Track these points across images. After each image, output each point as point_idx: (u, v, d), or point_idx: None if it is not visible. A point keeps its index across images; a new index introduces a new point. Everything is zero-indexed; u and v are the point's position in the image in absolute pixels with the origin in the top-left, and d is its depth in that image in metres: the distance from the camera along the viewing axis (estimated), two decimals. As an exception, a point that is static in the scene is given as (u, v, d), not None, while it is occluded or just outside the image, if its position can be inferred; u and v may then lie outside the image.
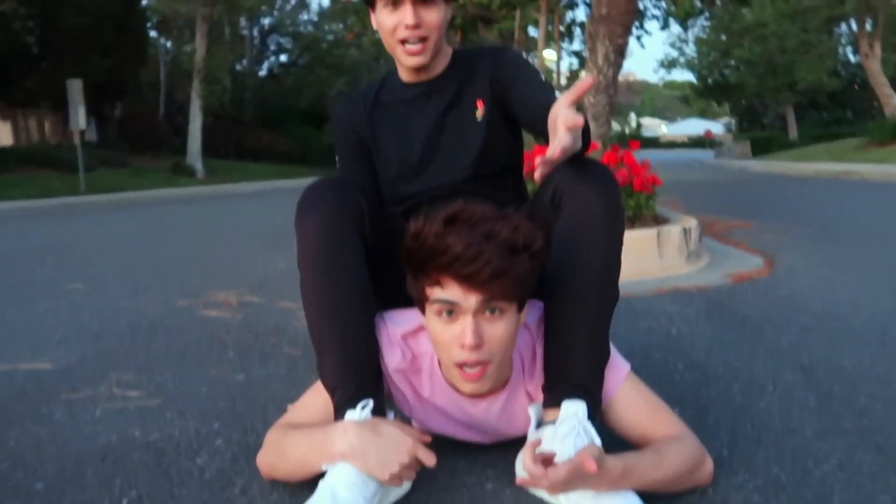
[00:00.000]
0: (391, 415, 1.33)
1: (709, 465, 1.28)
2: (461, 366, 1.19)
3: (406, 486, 1.26)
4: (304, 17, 32.89)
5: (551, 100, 1.32)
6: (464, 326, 1.15)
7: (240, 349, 2.37)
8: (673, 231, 3.57)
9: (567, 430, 1.22)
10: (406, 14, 1.40)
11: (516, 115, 1.49)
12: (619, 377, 1.33)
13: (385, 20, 1.43)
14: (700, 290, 3.08)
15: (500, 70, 1.50)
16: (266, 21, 31.51)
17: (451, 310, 1.15)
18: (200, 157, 19.64)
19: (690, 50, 35.37)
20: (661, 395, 1.39)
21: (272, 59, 33.43)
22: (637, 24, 14.83)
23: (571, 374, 1.28)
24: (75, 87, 14.18)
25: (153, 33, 24.96)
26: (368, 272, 1.35)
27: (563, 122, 1.12)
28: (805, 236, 4.66)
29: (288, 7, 31.59)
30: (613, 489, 1.14)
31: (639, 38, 15.74)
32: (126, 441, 1.59)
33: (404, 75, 1.55)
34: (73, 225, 7.83)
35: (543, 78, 1.54)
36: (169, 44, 27.14)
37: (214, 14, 19.21)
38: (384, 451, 1.17)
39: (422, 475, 1.28)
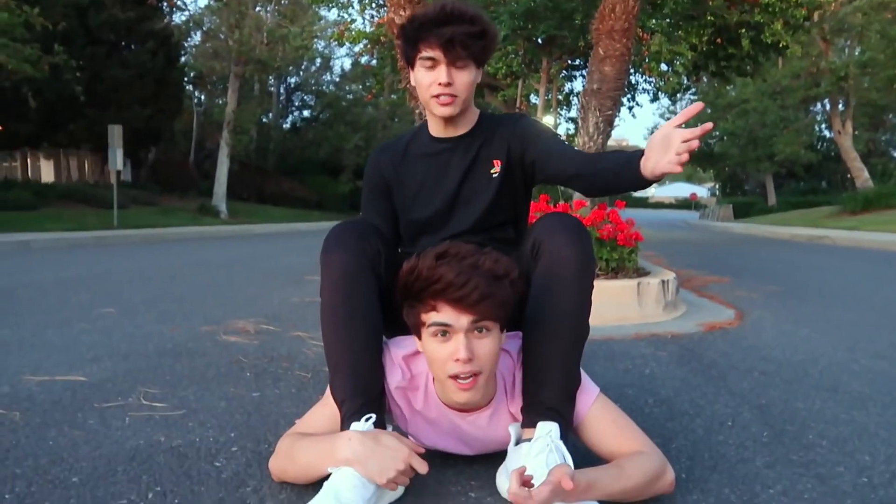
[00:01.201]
0: (390, 428, 1.42)
1: (670, 475, 1.36)
2: (455, 377, 1.29)
3: (400, 490, 1.34)
4: (327, 77, 33.68)
5: (569, 149, 1.58)
6: (457, 344, 1.25)
7: (255, 371, 2.44)
8: (652, 283, 3.67)
9: (540, 448, 1.30)
10: (441, 74, 1.51)
11: (539, 168, 1.61)
12: (589, 400, 1.42)
13: (423, 78, 1.54)
14: (674, 337, 3.16)
15: (518, 135, 1.63)
16: (292, 80, 32.27)
17: (446, 330, 1.26)
18: (225, 200, 19.89)
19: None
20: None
21: (296, 114, 34.14)
22: (629, 96, 15.18)
23: (546, 399, 1.37)
24: (115, 132, 14.48)
25: (189, 87, 25.54)
26: (380, 305, 1.45)
27: (679, 136, 1.24)
28: (775, 294, 4.75)
29: (312, 68, 32.38)
30: (580, 500, 1.21)
31: (630, 108, 16.08)
32: (152, 445, 1.66)
33: (434, 129, 1.66)
34: (105, 257, 7.94)
35: (559, 137, 1.68)
36: (202, 97, 27.73)
37: (246, 73, 19.69)
38: (383, 459, 1.25)
39: (413, 482, 1.36)
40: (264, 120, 29.64)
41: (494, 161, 1.64)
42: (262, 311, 3.85)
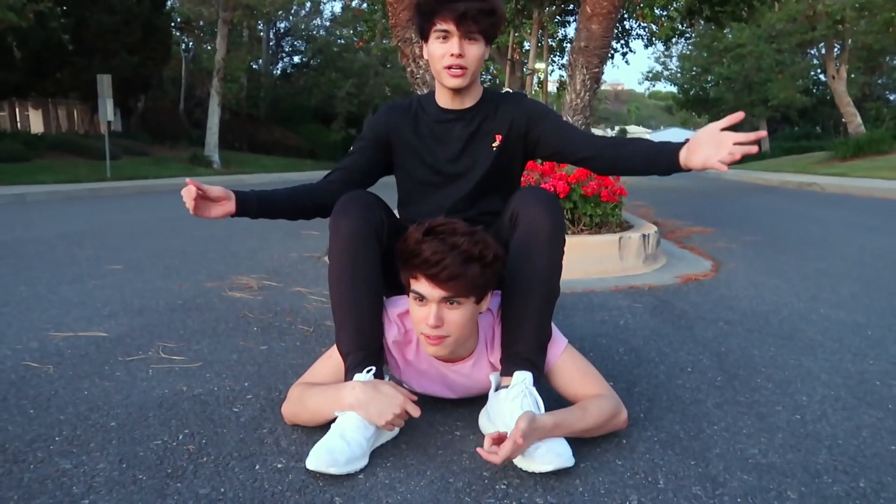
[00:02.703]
0: (387, 378, 1.64)
1: (623, 415, 1.59)
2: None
3: (396, 430, 1.57)
4: (317, 22, 33.05)
5: (580, 131, 1.84)
6: (429, 311, 1.46)
7: (261, 325, 2.66)
8: (633, 237, 3.87)
9: (516, 394, 1.53)
10: (454, 45, 1.66)
11: (545, 145, 1.82)
12: (559, 350, 1.64)
13: (436, 49, 1.70)
14: (651, 289, 3.38)
15: (523, 112, 1.81)
16: (281, 25, 31.66)
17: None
18: (217, 150, 19.85)
19: (674, 64, 35.66)
20: (601, 372, 1.69)
21: (286, 60, 33.64)
22: (623, 42, 15.09)
23: (521, 351, 1.58)
24: (105, 82, 14.34)
25: (177, 33, 25.10)
26: (380, 269, 1.65)
27: (732, 137, 1.49)
28: (754, 244, 4.97)
29: (302, 13, 31.74)
30: (549, 437, 1.44)
31: (624, 55, 16.02)
32: (176, 394, 1.89)
33: (442, 100, 1.82)
34: (103, 209, 8.09)
35: (563, 117, 1.88)
36: (191, 43, 27.26)
37: (234, 18, 19.37)
38: (382, 404, 1.47)
39: (407, 424, 1.59)
40: (254, 67, 29.23)
41: (496, 135, 1.82)
42: (262, 266, 4.05)
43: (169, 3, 21.93)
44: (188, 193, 1.61)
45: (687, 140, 1.62)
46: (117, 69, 18.15)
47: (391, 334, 1.64)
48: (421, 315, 1.48)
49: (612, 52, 15.49)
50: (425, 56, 1.78)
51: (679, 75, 35.37)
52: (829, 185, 12.55)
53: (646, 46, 15.59)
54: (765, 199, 10.10)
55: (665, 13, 12.80)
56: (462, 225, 1.47)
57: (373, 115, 1.92)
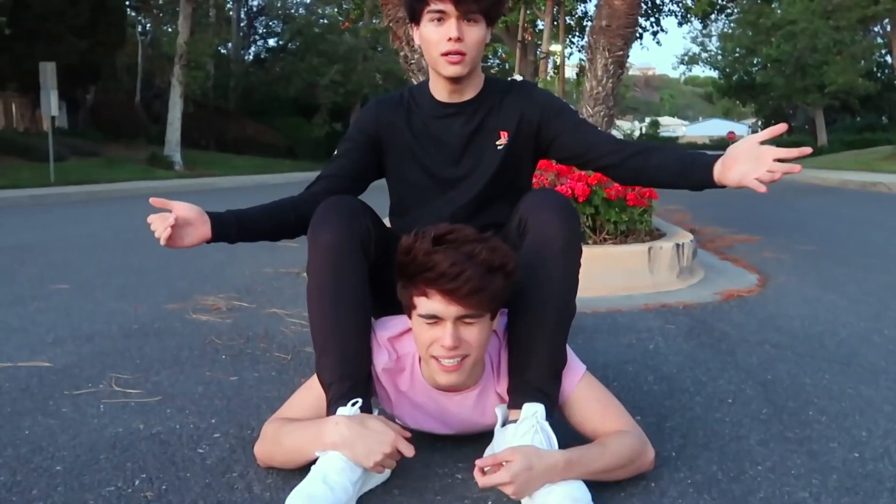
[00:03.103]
0: (376, 412, 1.66)
1: (650, 454, 1.61)
2: (438, 359, 1.52)
3: (386, 473, 1.59)
4: (296, -1, 33.33)
5: (601, 134, 1.86)
6: (445, 331, 1.47)
7: (231, 353, 2.69)
8: (665, 247, 3.90)
9: (526, 429, 1.55)
10: (451, 28, 1.66)
11: (561, 147, 1.84)
12: (575, 379, 1.66)
13: (430, 33, 1.69)
14: (686, 307, 3.41)
15: (535, 106, 1.82)
16: (254, 3, 31.93)
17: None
18: (179, 148, 19.97)
19: (713, 45, 35.84)
20: (627, 405, 1.71)
21: (259, 43, 33.94)
22: (653, 20, 15.20)
23: (532, 380, 1.60)
24: (48, 71, 14.48)
25: (132, 13, 25.32)
26: (368, 285, 1.67)
27: (772, 153, 1.53)
28: (807, 255, 5.00)
29: (279, -12, 32.03)
30: (562, 478, 1.46)
31: (655, 34, 16.11)
32: (132, 432, 1.91)
33: (438, 92, 1.83)
34: (47, 220, 8.15)
35: (579, 114, 1.91)
36: (148, 25, 27.50)
37: (199, -5, 19.56)
38: (370, 443, 1.49)
39: (400, 465, 1.61)
40: (223, 51, 29.46)
41: (501, 132, 1.83)
42: (232, 283, 4.08)
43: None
44: (161, 220, 1.64)
45: (722, 153, 1.66)
46: (62, 56, 18.25)
47: (381, 361, 1.66)
48: (432, 337, 1.50)
49: (640, 31, 15.59)
50: (416, 41, 1.80)
51: (720, 58, 35.56)
52: (898, 185, 12.60)
53: (679, 24, 15.68)
54: (821, 202, 10.14)
55: (702, -15, 12.91)
56: (471, 231, 1.50)
57: (360, 110, 1.94)
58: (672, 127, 68.95)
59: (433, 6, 1.67)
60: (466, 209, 1.83)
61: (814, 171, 20.32)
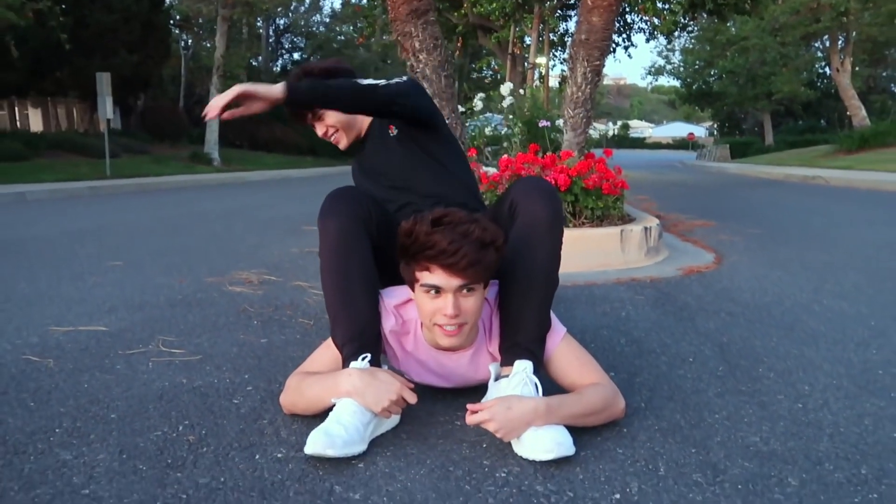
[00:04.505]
0: (385, 367, 1.64)
1: (621, 404, 1.60)
2: (441, 326, 1.51)
3: (395, 419, 1.58)
4: (317, 18, 33.06)
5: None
6: (446, 301, 1.47)
7: (261, 319, 2.67)
8: (635, 230, 3.87)
9: (517, 382, 1.53)
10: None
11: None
12: (557, 339, 1.64)
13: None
14: (653, 281, 3.38)
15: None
16: (281, 21, 31.66)
17: (437, 290, 1.47)
18: (217, 147, 19.83)
19: (676, 58, 35.58)
20: (602, 363, 1.70)
21: (286, 56, 33.64)
22: (625, 35, 15.06)
23: (521, 340, 1.59)
24: (104, 80, 14.34)
25: (176, 31, 25.09)
26: (373, 261, 1.66)
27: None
28: (758, 237, 4.96)
29: (301, 9, 31.75)
30: (545, 422, 1.44)
31: (626, 48, 16.00)
32: (176, 386, 1.89)
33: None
34: (103, 208, 8.10)
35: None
36: (190, 41, 27.27)
37: (233, 15, 19.35)
38: (379, 391, 1.48)
39: (407, 413, 1.59)
40: (254, 64, 29.23)
41: (389, 126, 1.89)
42: (263, 261, 4.06)
43: (167, 0, 21.92)
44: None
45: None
46: (116, 68, 18.14)
47: (388, 324, 1.65)
48: (434, 307, 1.49)
49: (614, 45, 15.47)
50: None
51: (682, 69, 35.31)
52: (834, 179, 12.52)
53: (647, 40, 15.55)
54: (769, 193, 10.09)
55: (667, 6, 12.77)
56: (463, 213, 1.48)
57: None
58: (640, 129, 68.60)
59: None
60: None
61: (762, 166, 20.25)
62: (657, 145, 60.35)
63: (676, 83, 37.78)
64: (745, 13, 13.98)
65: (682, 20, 14.21)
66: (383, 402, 1.47)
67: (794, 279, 3.40)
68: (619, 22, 14.46)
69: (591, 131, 5.22)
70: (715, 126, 46.56)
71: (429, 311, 1.51)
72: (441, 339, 1.55)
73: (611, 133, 56.57)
